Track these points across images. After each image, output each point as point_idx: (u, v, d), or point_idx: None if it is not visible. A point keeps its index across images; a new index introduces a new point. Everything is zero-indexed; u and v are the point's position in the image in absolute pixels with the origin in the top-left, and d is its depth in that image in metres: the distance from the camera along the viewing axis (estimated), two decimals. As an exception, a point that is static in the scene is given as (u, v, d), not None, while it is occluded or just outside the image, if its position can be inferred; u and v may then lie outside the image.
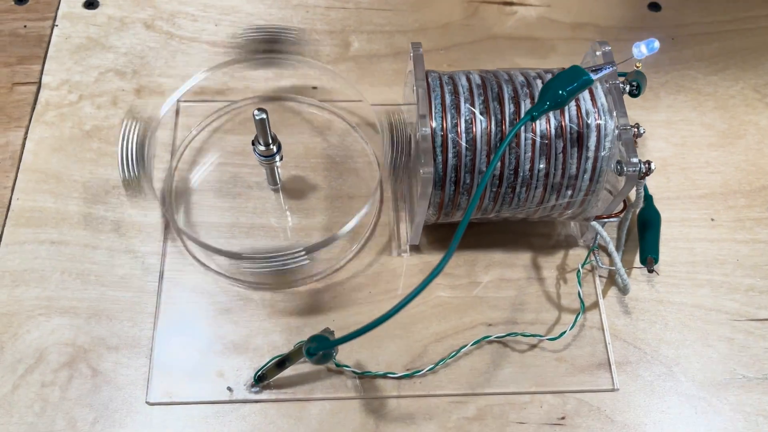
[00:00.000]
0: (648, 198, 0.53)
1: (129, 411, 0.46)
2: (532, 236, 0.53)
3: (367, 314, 0.50)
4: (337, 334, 0.48)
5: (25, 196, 0.53)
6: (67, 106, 0.57)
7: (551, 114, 0.44)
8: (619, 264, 0.47)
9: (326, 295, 0.50)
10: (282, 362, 0.44)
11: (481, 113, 0.44)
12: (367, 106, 0.55)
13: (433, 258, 0.52)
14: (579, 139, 0.44)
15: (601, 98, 0.45)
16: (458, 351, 0.48)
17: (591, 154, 0.44)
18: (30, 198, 0.53)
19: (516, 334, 0.48)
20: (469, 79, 0.45)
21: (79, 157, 0.54)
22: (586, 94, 0.45)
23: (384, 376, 0.47)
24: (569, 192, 0.45)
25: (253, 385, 0.46)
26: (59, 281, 0.50)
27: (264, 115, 0.44)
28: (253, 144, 0.47)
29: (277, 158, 0.48)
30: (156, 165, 0.54)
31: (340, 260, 0.51)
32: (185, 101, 0.56)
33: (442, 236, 0.53)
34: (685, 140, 0.58)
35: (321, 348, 0.40)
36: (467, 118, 0.44)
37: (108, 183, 0.53)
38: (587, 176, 0.45)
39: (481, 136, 0.44)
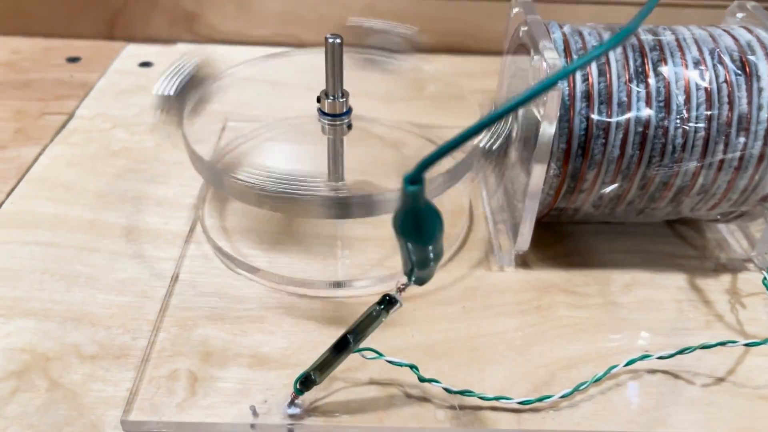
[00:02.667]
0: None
1: (91, 436, 0.29)
2: (680, 258, 0.39)
3: (463, 330, 0.34)
4: (420, 354, 0.32)
5: (20, 201, 0.42)
6: (97, 131, 0.49)
7: (701, 42, 0.35)
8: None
9: (404, 305, 0.35)
10: (342, 344, 0.28)
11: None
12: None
13: (547, 275, 0.37)
14: (744, 67, 0.34)
15: (761, 32, 0.35)
16: (606, 372, 0.31)
17: (765, 84, 0.33)
18: (26, 202, 0.42)
19: (692, 348, 0.32)
20: (593, 30, 0.37)
21: (98, 171, 0.44)
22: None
23: (495, 401, 0.30)
24: (741, 139, 0.33)
25: (292, 401, 0.29)
26: (36, 281, 0.36)
27: (339, 40, 0.35)
28: (318, 101, 0.37)
29: (346, 122, 0.38)
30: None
31: (420, 272, 0.37)
32: (233, 121, 0.48)
33: (555, 254, 0.39)
34: None
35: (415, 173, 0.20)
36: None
37: (126, 193, 0.43)
38: (764, 114, 0.33)
39: (616, 62, 0.34)
